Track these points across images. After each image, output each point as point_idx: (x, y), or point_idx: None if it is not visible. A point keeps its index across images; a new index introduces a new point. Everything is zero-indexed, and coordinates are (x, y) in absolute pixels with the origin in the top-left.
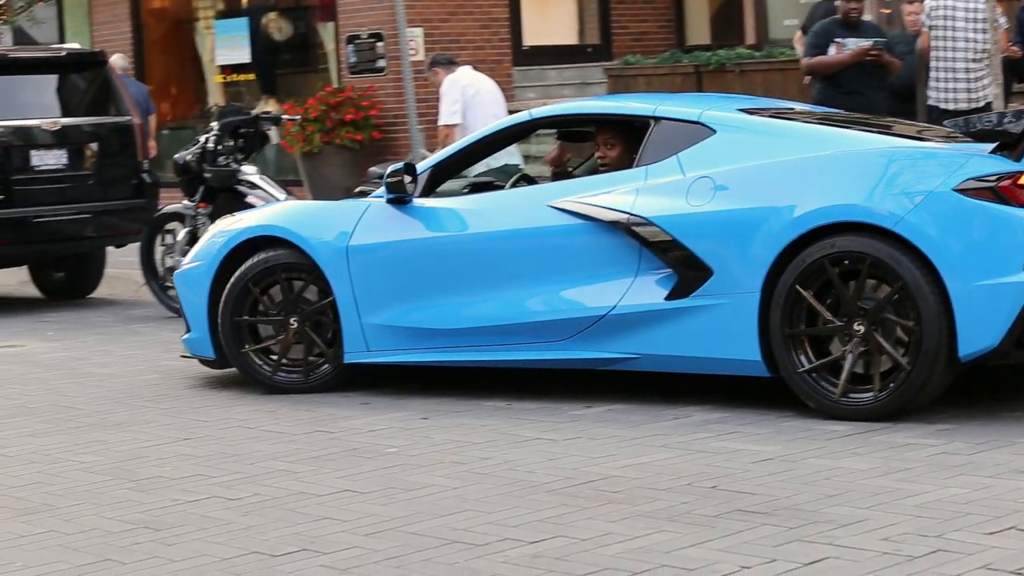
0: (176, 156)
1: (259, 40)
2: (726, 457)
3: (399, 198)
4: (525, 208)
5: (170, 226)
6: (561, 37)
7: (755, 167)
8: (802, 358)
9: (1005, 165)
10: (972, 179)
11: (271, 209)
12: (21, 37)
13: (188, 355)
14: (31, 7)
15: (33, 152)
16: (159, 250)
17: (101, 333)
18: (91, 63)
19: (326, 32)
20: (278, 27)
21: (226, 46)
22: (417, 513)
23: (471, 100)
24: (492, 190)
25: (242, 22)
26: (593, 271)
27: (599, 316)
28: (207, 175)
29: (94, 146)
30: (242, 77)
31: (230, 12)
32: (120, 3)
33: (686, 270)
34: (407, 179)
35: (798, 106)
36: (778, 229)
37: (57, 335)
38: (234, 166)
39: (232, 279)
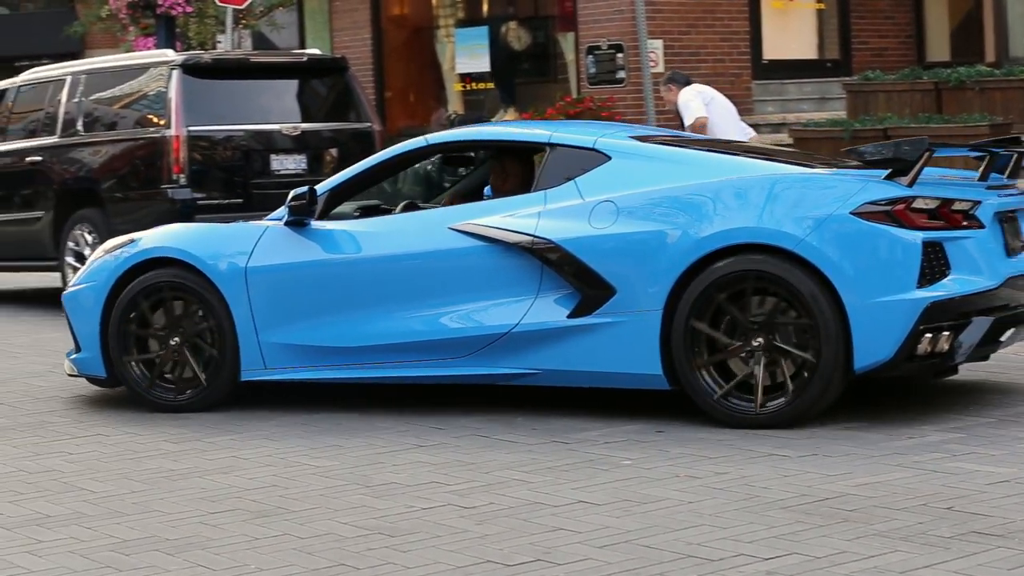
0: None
1: (499, 49)
2: (961, 478)
3: (297, 220)
4: (426, 231)
5: None
6: (801, 51)
7: (658, 191)
8: (704, 373)
9: (899, 190)
10: (868, 203)
11: (166, 230)
12: (261, 42)
13: (75, 374)
14: (271, 12)
15: (273, 157)
16: None
17: None
18: (332, 69)
19: (566, 42)
20: (518, 36)
21: (466, 54)
22: (651, 527)
23: (708, 106)
24: (381, 213)
25: (482, 31)
26: (494, 291)
27: (501, 333)
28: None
29: (334, 152)
30: (481, 86)
31: (470, 20)
32: (360, 10)
33: (589, 289)
34: (309, 202)
35: (687, 135)
36: (683, 249)
37: None
38: None
39: (123, 292)
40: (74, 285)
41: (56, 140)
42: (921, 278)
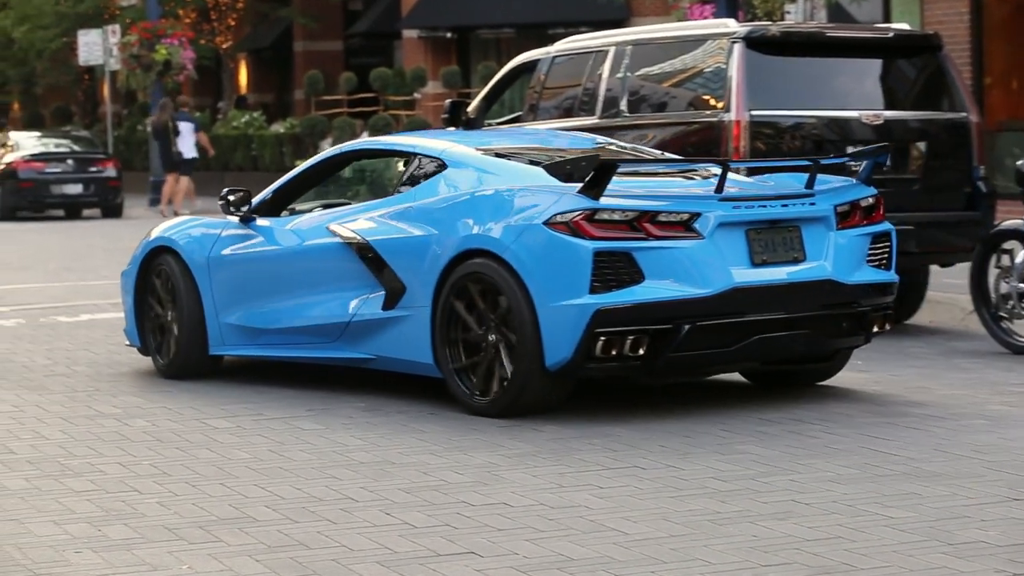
0: (1019, 163)
1: None
2: None
3: (244, 217)
4: (314, 229)
5: (1007, 245)
6: None
7: (438, 199)
8: (450, 351)
9: (584, 203)
10: (558, 214)
11: (174, 221)
12: (838, 14)
13: (128, 344)
14: None
15: (849, 150)
16: (993, 273)
17: (919, 366)
18: (922, 48)
19: None
20: None
21: None
22: None
23: None
24: (340, 207)
25: None
26: (346, 284)
27: (346, 322)
28: None
29: (921, 146)
30: None
31: None
32: None
33: (392, 285)
34: (232, 203)
35: (564, 142)
36: (439, 253)
37: (867, 365)
38: None
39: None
40: (126, 266)
41: (595, 121)
42: (596, 284)
